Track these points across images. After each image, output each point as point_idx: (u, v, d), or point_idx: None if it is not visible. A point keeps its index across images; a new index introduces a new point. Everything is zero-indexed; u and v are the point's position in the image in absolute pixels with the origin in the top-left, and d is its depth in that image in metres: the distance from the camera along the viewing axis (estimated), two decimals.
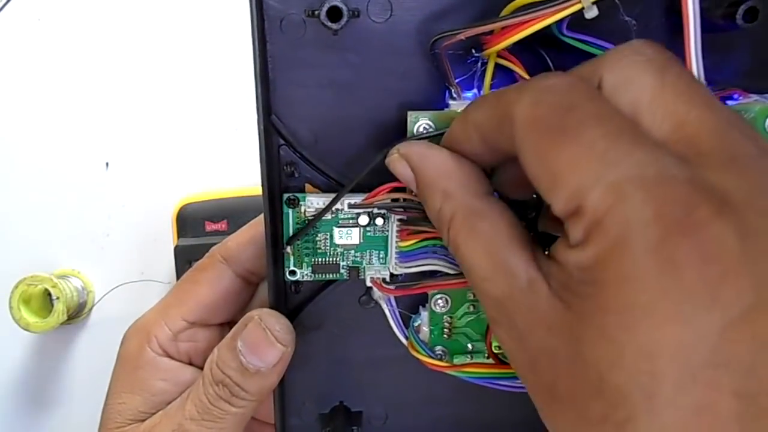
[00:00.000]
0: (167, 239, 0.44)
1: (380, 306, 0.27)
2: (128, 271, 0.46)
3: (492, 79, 0.24)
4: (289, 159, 0.26)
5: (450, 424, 0.29)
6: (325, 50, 0.25)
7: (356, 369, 0.28)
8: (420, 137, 0.23)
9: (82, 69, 0.46)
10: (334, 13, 0.23)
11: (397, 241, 0.25)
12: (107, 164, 0.47)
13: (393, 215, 0.25)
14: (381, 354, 0.28)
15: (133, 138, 0.46)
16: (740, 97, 0.26)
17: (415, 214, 0.24)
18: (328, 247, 0.25)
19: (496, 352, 0.27)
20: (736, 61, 0.26)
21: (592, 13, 0.21)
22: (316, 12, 0.23)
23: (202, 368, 0.27)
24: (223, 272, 0.29)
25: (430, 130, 0.24)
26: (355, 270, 0.26)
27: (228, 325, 0.30)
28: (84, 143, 0.46)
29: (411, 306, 0.27)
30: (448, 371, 0.26)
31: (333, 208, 0.24)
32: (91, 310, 0.47)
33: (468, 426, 0.29)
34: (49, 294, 0.44)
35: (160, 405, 0.27)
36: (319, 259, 0.26)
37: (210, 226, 0.44)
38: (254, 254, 0.28)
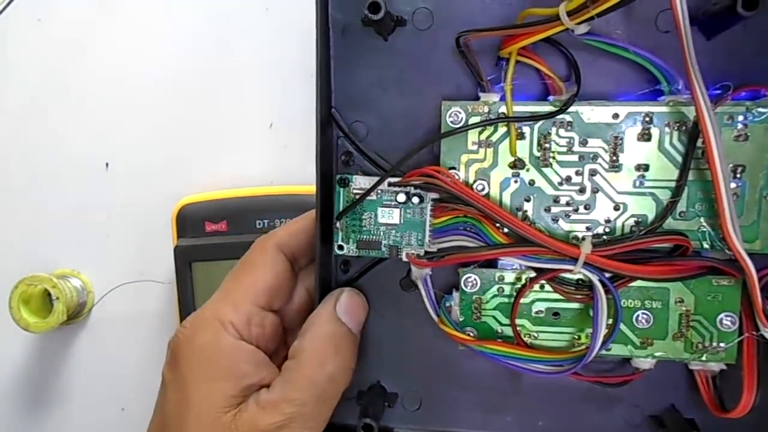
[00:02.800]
0: (167, 239, 0.44)
1: (420, 292, 0.30)
2: (128, 272, 0.46)
3: (514, 74, 0.28)
4: (345, 149, 0.30)
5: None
6: (377, 54, 0.30)
7: (395, 351, 0.31)
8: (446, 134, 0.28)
9: (82, 69, 0.46)
10: (374, 7, 0.27)
11: (431, 219, 0.29)
12: (107, 164, 0.47)
13: (427, 197, 0.29)
14: (419, 340, 0.31)
15: (133, 138, 0.46)
16: (765, 95, 0.27)
17: (443, 194, 0.28)
18: (372, 226, 0.29)
19: (524, 338, 0.29)
20: (747, 57, 0.27)
21: (581, 29, 0.25)
22: (370, 17, 0.27)
23: (267, 353, 0.29)
24: (279, 258, 0.30)
25: (460, 116, 0.28)
26: (395, 248, 0.29)
27: (276, 312, 0.31)
28: (84, 143, 0.46)
29: (446, 288, 0.30)
30: (473, 345, 0.28)
31: (377, 189, 0.29)
32: (90, 310, 0.47)
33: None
34: (49, 294, 0.44)
35: (247, 389, 0.28)
36: (364, 237, 0.29)
37: (210, 227, 0.44)
38: (305, 241, 0.30)
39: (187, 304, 0.42)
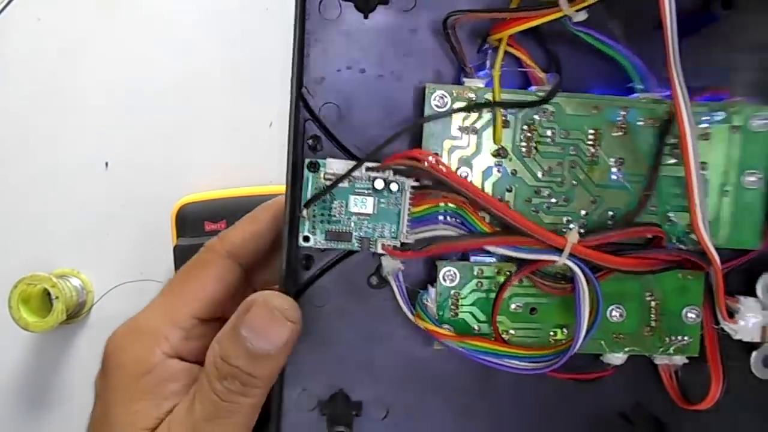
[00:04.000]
0: (167, 239, 0.44)
1: (389, 289, 0.28)
2: (128, 271, 0.46)
3: (502, 61, 0.27)
4: (312, 133, 0.28)
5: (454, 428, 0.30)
6: (356, 34, 0.28)
7: (360, 355, 0.29)
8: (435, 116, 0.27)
9: (82, 69, 0.46)
10: None
11: (409, 207, 0.27)
12: (107, 164, 0.47)
13: (407, 185, 0.27)
14: (387, 343, 0.29)
15: (133, 138, 0.46)
16: (726, 98, 0.28)
17: (427, 179, 0.26)
18: (342, 215, 0.27)
19: (503, 335, 0.28)
20: (710, 60, 0.28)
21: (580, 16, 0.25)
22: None
23: None
24: (230, 267, 0.28)
25: (445, 100, 0.27)
26: (366, 240, 0.27)
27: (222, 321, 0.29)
28: (84, 143, 0.46)
29: (418, 285, 0.28)
30: (452, 341, 0.27)
31: (351, 176, 0.27)
32: (90, 309, 0.47)
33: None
34: (49, 294, 0.44)
35: (171, 411, 0.26)
36: (333, 227, 0.27)
37: (209, 226, 0.44)
38: (261, 247, 0.29)
39: None
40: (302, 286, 0.28)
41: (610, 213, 0.28)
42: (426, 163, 0.26)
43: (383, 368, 0.29)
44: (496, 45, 0.27)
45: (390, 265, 0.27)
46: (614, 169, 0.28)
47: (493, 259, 0.28)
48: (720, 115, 0.28)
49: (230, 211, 0.44)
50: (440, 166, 0.26)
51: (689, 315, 0.28)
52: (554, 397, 0.29)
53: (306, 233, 0.27)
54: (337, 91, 0.28)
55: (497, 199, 0.28)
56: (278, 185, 0.45)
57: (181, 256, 0.43)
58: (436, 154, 0.27)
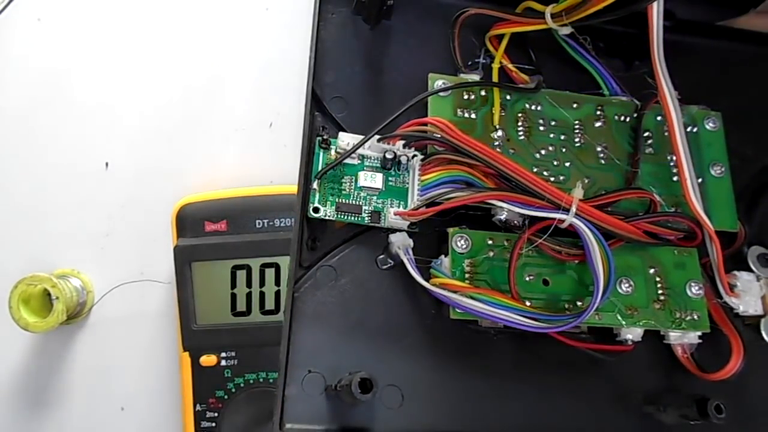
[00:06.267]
0: (167, 239, 0.44)
1: (398, 270, 0.28)
2: (128, 271, 0.47)
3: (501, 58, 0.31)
4: (321, 124, 0.30)
5: (471, 417, 0.28)
6: (363, 40, 0.32)
7: (370, 341, 0.28)
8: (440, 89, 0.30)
9: (82, 69, 0.46)
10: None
11: (419, 176, 0.28)
12: (107, 164, 0.47)
13: (417, 158, 0.28)
14: (399, 320, 0.28)
15: (133, 138, 0.46)
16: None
17: (440, 147, 0.28)
18: (352, 190, 0.28)
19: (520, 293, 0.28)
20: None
21: (565, 30, 0.30)
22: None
23: None
24: None
25: (447, 83, 0.30)
26: (376, 214, 0.28)
27: None
28: (84, 143, 0.46)
29: (430, 255, 0.29)
30: (469, 292, 0.27)
31: (359, 154, 0.28)
32: (90, 310, 0.47)
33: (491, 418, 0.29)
34: (49, 294, 0.44)
35: None
36: (343, 200, 0.28)
37: (210, 227, 0.44)
38: None
39: (186, 304, 0.42)
40: (310, 265, 0.28)
41: (603, 192, 0.30)
42: (441, 126, 0.28)
43: (395, 348, 0.28)
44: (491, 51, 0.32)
45: (399, 240, 0.28)
46: (601, 154, 0.31)
47: (503, 216, 0.28)
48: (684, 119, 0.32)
49: (230, 211, 0.44)
50: (453, 131, 0.28)
51: (692, 289, 0.29)
52: (577, 374, 0.29)
53: (317, 204, 0.28)
54: (344, 90, 0.31)
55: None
56: (279, 185, 0.45)
57: (182, 256, 0.43)
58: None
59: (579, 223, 0.27)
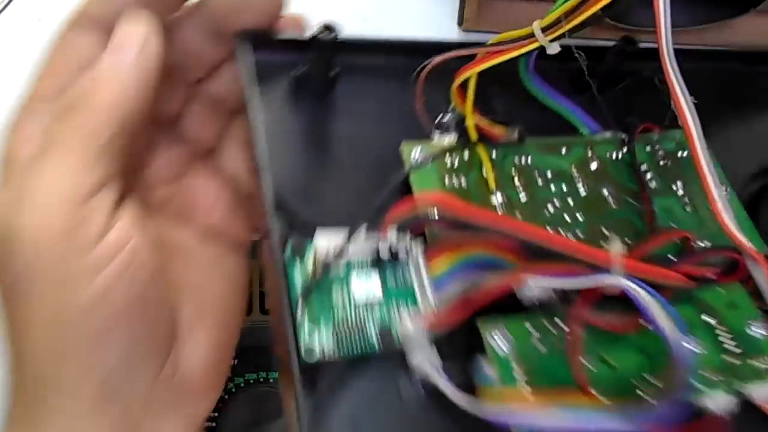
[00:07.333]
0: None
1: (424, 399, 0.22)
2: None
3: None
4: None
5: None
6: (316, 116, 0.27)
7: None
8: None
9: None
10: None
11: (427, 270, 0.22)
12: None
13: (414, 246, 0.23)
14: None
15: None
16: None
17: (444, 229, 0.22)
18: (347, 305, 0.22)
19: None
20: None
21: (553, 49, 0.25)
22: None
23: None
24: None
25: (425, 151, 0.25)
26: (386, 333, 0.21)
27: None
28: None
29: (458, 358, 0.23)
30: (547, 406, 0.21)
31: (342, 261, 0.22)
32: None
33: None
34: None
35: None
36: (340, 322, 0.21)
37: None
38: None
39: None
40: None
41: (626, 239, 0.26)
42: (444, 204, 0.22)
43: None
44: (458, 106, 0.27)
45: (424, 360, 0.21)
46: (610, 198, 0.27)
47: (535, 298, 0.22)
48: (671, 145, 0.29)
49: None
50: (461, 206, 0.22)
51: (755, 330, 0.25)
52: None
53: (307, 339, 0.21)
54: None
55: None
56: None
57: None
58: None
59: (629, 284, 0.22)
